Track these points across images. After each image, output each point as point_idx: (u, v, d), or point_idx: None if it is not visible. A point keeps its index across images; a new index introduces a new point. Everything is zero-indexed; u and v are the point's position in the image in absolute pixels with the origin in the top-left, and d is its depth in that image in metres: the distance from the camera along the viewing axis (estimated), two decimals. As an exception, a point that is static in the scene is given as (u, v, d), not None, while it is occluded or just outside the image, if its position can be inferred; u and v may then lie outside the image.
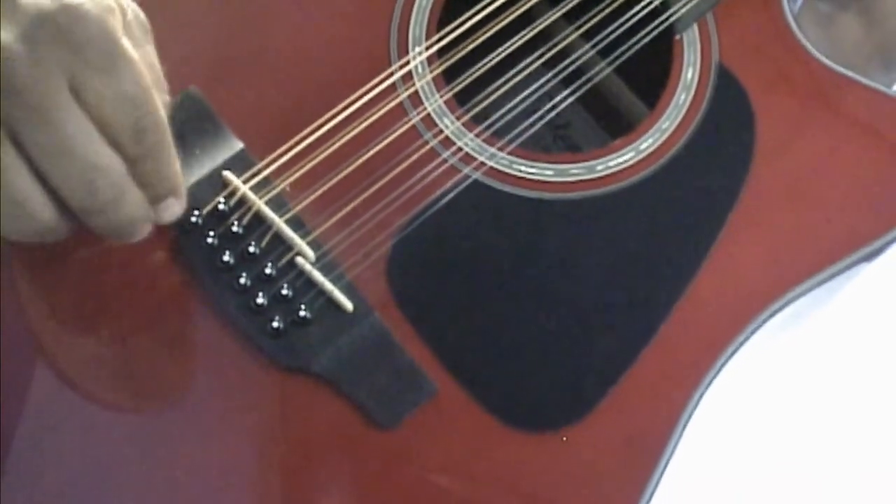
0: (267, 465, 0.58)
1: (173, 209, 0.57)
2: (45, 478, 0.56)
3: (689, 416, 0.60)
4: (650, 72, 0.69)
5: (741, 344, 0.62)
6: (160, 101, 0.53)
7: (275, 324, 0.59)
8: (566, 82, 0.69)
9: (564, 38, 0.68)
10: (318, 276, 0.60)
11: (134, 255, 0.60)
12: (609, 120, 0.73)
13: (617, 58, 0.68)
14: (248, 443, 0.58)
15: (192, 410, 0.59)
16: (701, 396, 0.61)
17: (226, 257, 0.59)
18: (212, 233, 0.60)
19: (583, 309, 0.62)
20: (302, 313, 0.59)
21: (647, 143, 0.66)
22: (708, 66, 0.68)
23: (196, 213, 0.60)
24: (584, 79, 0.68)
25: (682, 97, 0.67)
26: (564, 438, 0.59)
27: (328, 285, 0.60)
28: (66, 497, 0.56)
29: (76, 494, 0.56)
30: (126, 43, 0.52)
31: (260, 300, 0.59)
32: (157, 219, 0.56)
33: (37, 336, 0.58)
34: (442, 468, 0.59)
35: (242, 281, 0.59)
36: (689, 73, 0.67)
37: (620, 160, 0.65)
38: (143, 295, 0.60)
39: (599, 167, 0.65)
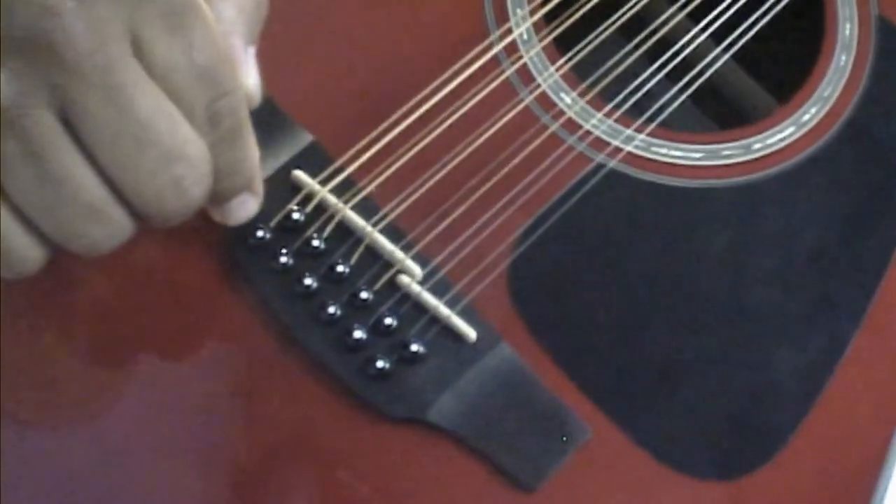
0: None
1: (248, 206, 0.44)
2: None
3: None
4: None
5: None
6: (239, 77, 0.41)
7: (379, 363, 0.45)
8: (716, 40, 0.56)
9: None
10: (429, 298, 0.47)
11: (182, 290, 0.47)
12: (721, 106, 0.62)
13: (760, 18, 0.56)
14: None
15: (277, 481, 0.45)
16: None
17: (307, 281, 0.46)
18: (284, 251, 0.47)
19: (756, 320, 0.49)
20: (413, 347, 0.46)
21: (808, 114, 0.53)
22: (867, 21, 0.56)
23: (261, 227, 0.47)
24: (726, 43, 0.56)
25: (843, 58, 0.55)
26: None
27: (443, 309, 0.46)
28: None
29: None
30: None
31: (357, 334, 0.45)
32: (228, 218, 0.44)
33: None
34: (609, 534, 0.46)
35: (331, 310, 0.46)
36: (847, 30, 0.55)
37: (780, 136, 0.53)
38: (198, 340, 0.47)
39: (756, 146, 0.52)
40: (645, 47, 0.55)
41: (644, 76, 0.53)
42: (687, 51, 0.55)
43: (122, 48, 0.37)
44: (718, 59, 0.56)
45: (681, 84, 0.54)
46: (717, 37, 0.57)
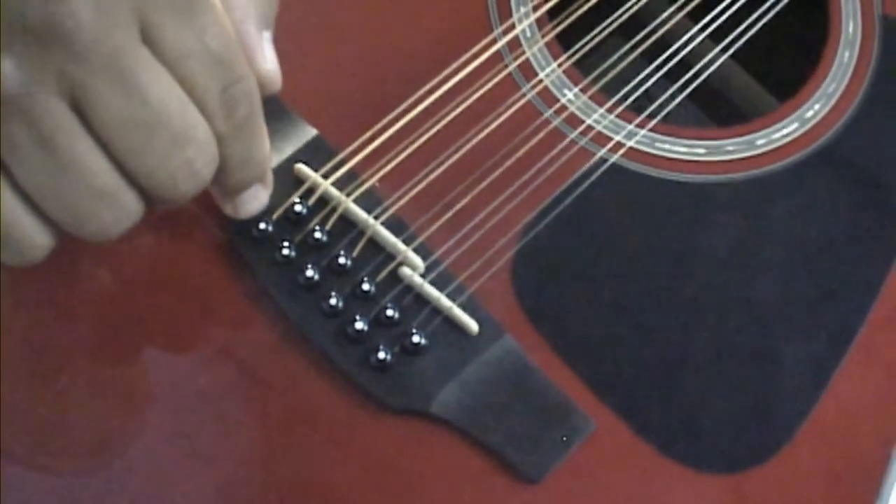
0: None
1: (260, 198, 0.45)
2: None
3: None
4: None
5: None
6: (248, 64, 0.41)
7: (381, 354, 0.45)
8: (715, 39, 0.56)
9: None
10: (431, 290, 0.46)
11: (184, 282, 0.47)
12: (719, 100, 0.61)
13: (766, 12, 0.56)
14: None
15: (278, 472, 0.45)
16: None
17: (309, 273, 0.46)
18: (286, 243, 0.46)
19: (761, 313, 0.49)
20: (415, 339, 0.45)
21: (812, 110, 0.53)
22: (871, 19, 0.56)
23: (264, 219, 0.46)
24: (735, 34, 0.55)
25: (846, 55, 0.55)
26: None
27: (445, 301, 0.46)
28: None
29: None
30: None
31: (359, 325, 0.45)
32: (240, 211, 0.44)
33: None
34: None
35: (333, 302, 0.46)
36: (851, 27, 0.55)
37: (784, 132, 0.52)
38: (200, 329, 0.46)
39: (760, 141, 0.52)
40: (646, 45, 0.55)
41: (644, 73, 0.53)
42: (686, 50, 0.55)
43: (129, 34, 0.38)
44: (718, 58, 0.56)
45: (680, 83, 0.54)
46: (717, 36, 0.56)
